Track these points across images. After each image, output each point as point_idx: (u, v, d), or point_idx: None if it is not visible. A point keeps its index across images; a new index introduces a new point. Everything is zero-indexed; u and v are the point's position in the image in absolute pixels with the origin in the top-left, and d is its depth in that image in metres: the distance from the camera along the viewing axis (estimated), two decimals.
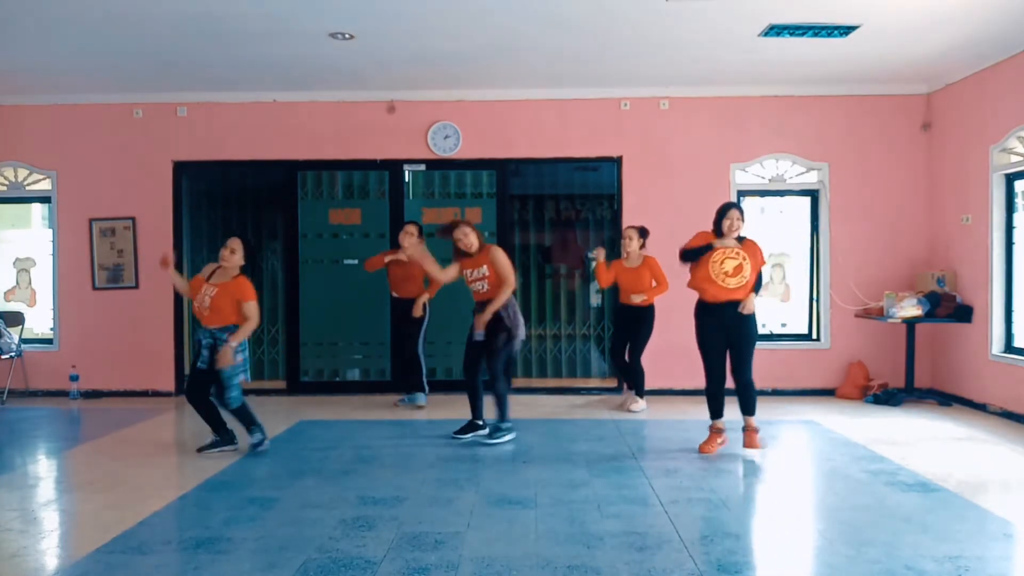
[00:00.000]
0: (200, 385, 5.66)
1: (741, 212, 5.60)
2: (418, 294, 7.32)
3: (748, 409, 5.60)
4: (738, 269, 5.49)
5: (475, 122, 8.24)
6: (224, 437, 5.77)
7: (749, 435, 5.59)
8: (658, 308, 7.78)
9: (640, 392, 7.31)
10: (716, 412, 5.71)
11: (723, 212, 5.61)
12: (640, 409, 7.24)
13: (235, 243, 5.72)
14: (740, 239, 5.60)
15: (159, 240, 8.30)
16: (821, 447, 5.94)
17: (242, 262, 5.71)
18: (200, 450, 5.76)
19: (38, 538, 4.03)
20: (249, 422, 5.74)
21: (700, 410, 7.17)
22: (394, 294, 7.50)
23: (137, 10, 5.76)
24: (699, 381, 7.99)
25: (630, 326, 7.24)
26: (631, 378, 7.37)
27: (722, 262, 5.52)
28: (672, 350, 7.98)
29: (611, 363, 7.52)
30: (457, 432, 6.15)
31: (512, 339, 5.96)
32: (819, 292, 8.25)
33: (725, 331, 5.58)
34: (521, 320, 6.05)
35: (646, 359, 7.34)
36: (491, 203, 8.34)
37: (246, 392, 8.06)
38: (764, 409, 7.30)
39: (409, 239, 7.17)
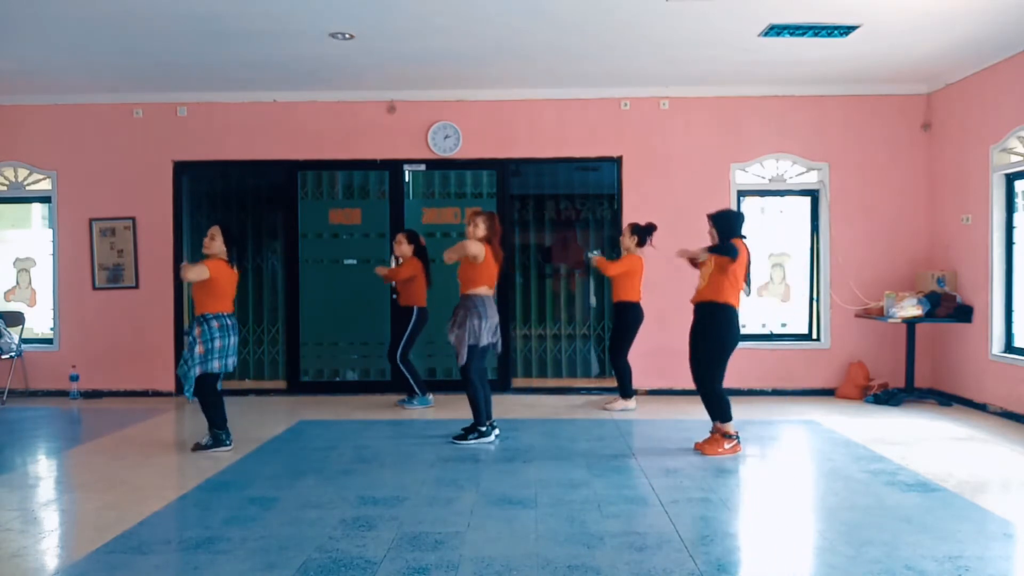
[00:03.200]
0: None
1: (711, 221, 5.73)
2: (413, 304, 7.44)
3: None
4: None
5: (475, 122, 8.23)
6: (216, 438, 5.82)
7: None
8: (657, 308, 7.79)
9: (624, 392, 7.33)
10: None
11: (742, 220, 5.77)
12: (621, 408, 7.23)
13: (213, 230, 5.80)
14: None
15: (159, 240, 8.31)
16: (821, 447, 5.94)
17: (223, 248, 5.76)
18: (195, 448, 5.82)
19: (38, 538, 4.03)
20: (211, 423, 5.81)
21: (700, 410, 7.18)
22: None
23: (137, 10, 5.76)
24: None
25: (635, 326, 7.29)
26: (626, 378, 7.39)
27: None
28: (671, 350, 7.98)
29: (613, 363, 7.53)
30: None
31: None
32: (819, 292, 8.25)
33: None
34: (474, 324, 5.92)
35: (646, 359, 7.35)
36: (491, 203, 8.34)
37: (247, 391, 8.11)
38: (764, 409, 7.32)
39: (399, 247, 7.43)
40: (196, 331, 5.65)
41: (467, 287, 5.96)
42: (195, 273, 5.60)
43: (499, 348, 6.19)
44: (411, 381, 7.46)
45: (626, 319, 7.23)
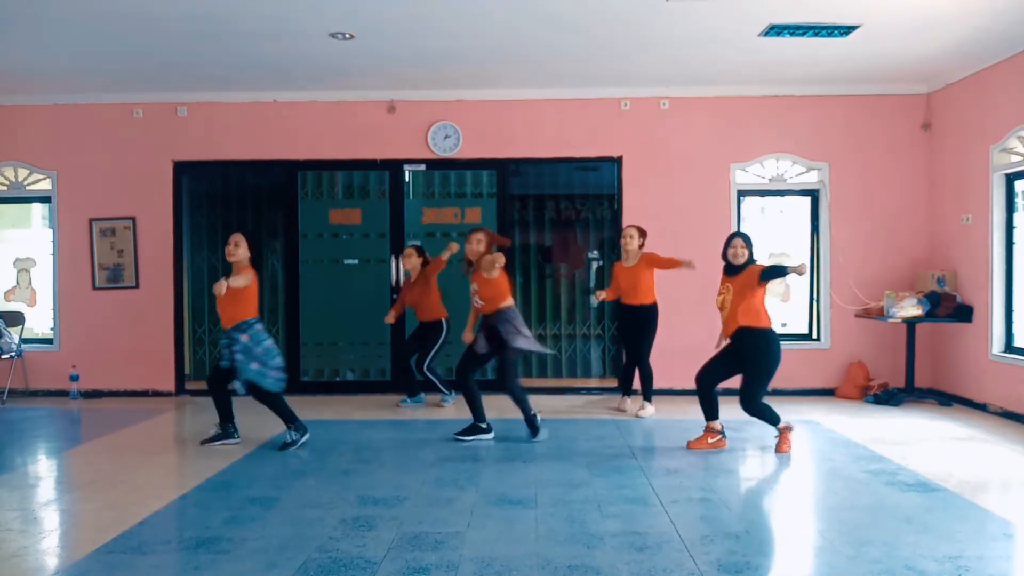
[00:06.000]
0: (219, 378, 5.84)
1: (744, 240, 5.67)
2: (437, 316, 7.44)
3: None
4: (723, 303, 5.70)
5: (475, 122, 8.23)
6: (226, 431, 5.90)
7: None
8: (660, 308, 7.78)
9: (648, 396, 7.20)
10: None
11: (728, 241, 5.72)
12: (649, 415, 7.11)
13: (236, 237, 5.84)
14: (741, 267, 5.64)
15: (159, 240, 8.31)
16: (821, 447, 5.94)
17: (248, 254, 5.81)
18: (203, 443, 5.88)
19: (38, 538, 4.03)
20: (287, 419, 5.88)
21: (700, 410, 7.17)
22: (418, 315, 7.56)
23: (137, 10, 5.76)
24: None
25: (633, 327, 7.15)
26: (633, 382, 7.34)
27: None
28: (673, 350, 7.98)
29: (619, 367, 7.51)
30: (460, 433, 6.13)
31: (506, 350, 5.98)
32: (819, 292, 8.25)
33: None
34: (517, 330, 5.99)
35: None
36: (491, 203, 8.34)
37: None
38: None
39: (408, 260, 7.47)
40: (244, 337, 5.64)
41: (499, 301, 6.00)
42: (244, 280, 5.69)
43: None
44: (439, 384, 7.52)
45: (654, 321, 7.12)
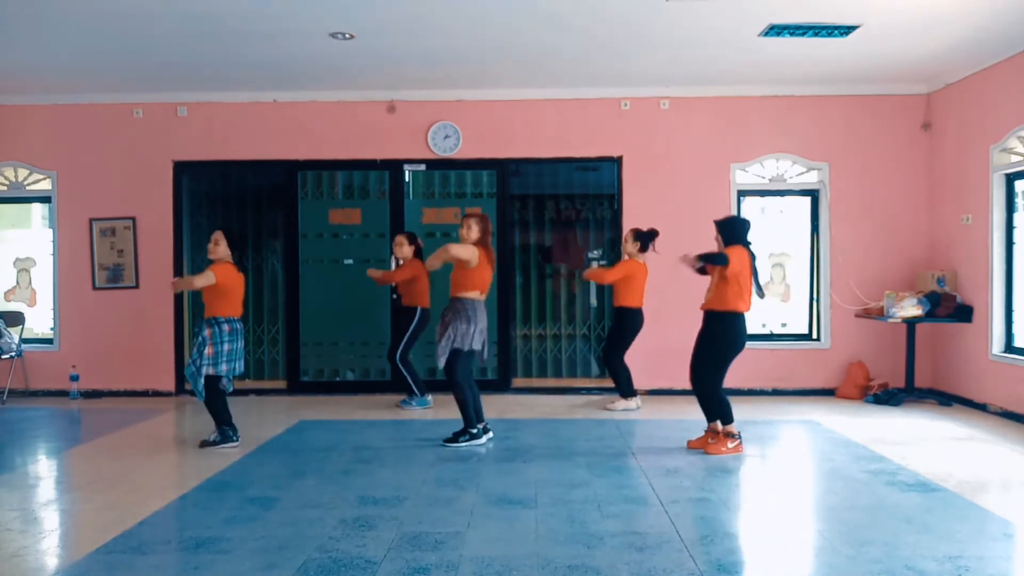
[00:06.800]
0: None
1: (716, 227, 5.76)
2: (414, 303, 7.39)
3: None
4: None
5: (475, 122, 8.24)
6: (223, 434, 5.88)
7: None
8: (656, 309, 7.78)
9: (623, 392, 7.34)
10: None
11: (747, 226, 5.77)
12: (623, 408, 7.27)
13: (216, 235, 5.90)
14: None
15: (159, 240, 8.31)
16: (821, 447, 5.94)
17: (228, 252, 5.86)
18: (202, 445, 5.89)
19: (38, 538, 4.03)
20: (218, 420, 5.88)
21: (700, 410, 7.16)
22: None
23: (137, 10, 5.76)
24: None
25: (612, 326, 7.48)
26: (631, 380, 7.43)
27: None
28: (671, 351, 7.97)
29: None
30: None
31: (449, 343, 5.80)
32: (819, 292, 8.25)
33: None
34: (461, 328, 5.78)
35: (646, 359, 7.35)
36: (491, 203, 8.34)
37: (247, 391, 8.12)
38: (764, 409, 7.33)
39: (399, 249, 7.40)
40: (207, 332, 5.71)
41: (457, 291, 5.85)
42: (202, 280, 5.71)
43: (485, 357, 6.03)
44: (410, 381, 7.44)
45: (624, 324, 7.26)
